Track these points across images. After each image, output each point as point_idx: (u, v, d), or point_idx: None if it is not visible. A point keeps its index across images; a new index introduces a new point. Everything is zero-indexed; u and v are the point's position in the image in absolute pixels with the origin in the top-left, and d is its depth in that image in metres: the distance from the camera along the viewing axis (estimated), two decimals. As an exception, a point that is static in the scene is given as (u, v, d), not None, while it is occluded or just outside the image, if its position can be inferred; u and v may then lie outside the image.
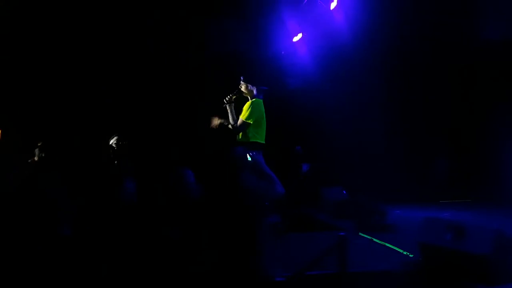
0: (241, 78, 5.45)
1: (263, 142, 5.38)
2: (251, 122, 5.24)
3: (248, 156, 4.70)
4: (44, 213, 3.82)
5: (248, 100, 5.43)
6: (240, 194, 3.10)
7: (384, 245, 5.21)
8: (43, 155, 4.91)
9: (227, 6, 8.89)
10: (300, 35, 8.28)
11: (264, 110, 5.42)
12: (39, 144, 4.94)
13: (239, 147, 4.03)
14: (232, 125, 5.37)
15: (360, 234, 5.84)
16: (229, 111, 5.41)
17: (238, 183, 3.15)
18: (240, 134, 5.32)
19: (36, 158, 4.92)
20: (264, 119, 5.40)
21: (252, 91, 5.39)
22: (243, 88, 5.42)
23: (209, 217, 3.35)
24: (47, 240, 3.74)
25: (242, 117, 5.31)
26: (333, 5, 7.24)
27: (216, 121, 5.47)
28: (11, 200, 4.18)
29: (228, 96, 5.43)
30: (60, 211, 3.93)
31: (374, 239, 5.52)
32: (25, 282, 3.57)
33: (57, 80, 8.38)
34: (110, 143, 5.23)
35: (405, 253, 4.76)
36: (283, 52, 8.99)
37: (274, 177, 3.36)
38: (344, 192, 7.84)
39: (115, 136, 5.28)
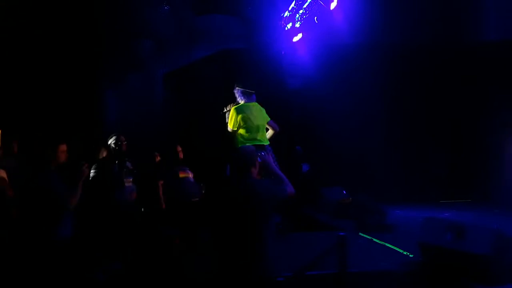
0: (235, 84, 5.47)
1: (265, 143, 5.34)
2: (235, 129, 5.26)
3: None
4: (49, 213, 3.80)
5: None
6: (247, 193, 3.07)
7: (384, 245, 5.21)
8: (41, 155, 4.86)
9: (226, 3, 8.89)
10: (300, 35, 8.26)
11: (252, 111, 5.31)
12: (35, 145, 4.90)
13: (250, 146, 4.03)
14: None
15: (360, 234, 5.84)
16: (227, 119, 5.43)
17: (246, 182, 3.12)
18: (235, 142, 5.32)
19: (34, 159, 4.88)
20: (252, 120, 5.26)
21: (237, 95, 5.41)
22: (236, 94, 5.44)
23: (210, 216, 3.34)
24: (46, 242, 3.73)
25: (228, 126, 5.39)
26: (333, 5, 7.22)
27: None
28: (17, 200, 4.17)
29: (229, 106, 5.45)
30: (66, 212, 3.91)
31: (374, 239, 5.52)
32: (26, 282, 3.57)
33: (56, 79, 8.37)
34: (109, 143, 5.18)
35: (405, 253, 4.76)
36: (283, 52, 8.97)
37: (283, 177, 3.34)
38: (344, 192, 7.82)
39: (114, 136, 5.22)
